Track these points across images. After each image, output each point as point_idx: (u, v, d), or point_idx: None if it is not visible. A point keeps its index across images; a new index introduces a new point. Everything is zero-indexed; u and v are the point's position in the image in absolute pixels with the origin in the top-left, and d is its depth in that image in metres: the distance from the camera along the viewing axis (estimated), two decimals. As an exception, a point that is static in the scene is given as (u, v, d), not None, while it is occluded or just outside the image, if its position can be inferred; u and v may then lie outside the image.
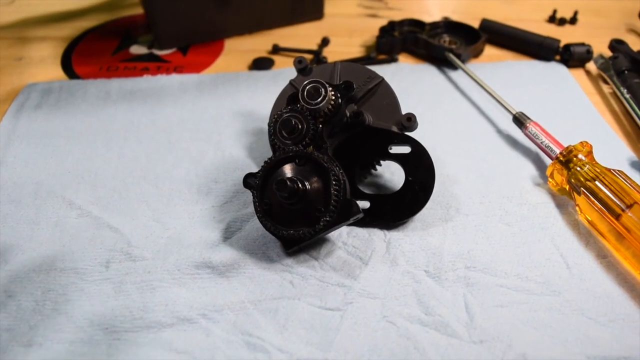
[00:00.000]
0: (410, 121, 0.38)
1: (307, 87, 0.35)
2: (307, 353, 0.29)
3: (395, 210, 0.37)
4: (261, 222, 0.34)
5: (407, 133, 0.38)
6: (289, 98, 0.37)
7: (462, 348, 0.30)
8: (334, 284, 0.33)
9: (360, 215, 0.33)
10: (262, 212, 0.34)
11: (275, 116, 0.36)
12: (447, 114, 0.50)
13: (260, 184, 0.35)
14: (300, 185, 0.33)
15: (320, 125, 0.35)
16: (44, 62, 0.59)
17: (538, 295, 0.33)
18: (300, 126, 0.35)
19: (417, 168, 0.38)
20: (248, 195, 0.40)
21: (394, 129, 0.38)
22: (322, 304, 0.32)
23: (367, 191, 0.38)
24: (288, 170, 0.35)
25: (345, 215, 0.33)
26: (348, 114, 0.38)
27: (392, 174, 0.42)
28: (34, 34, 0.65)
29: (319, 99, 0.35)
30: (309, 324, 0.31)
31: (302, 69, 0.41)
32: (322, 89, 0.35)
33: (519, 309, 0.32)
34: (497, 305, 0.32)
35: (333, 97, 0.36)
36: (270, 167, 0.35)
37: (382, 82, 0.41)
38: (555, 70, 0.57)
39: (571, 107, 0.51)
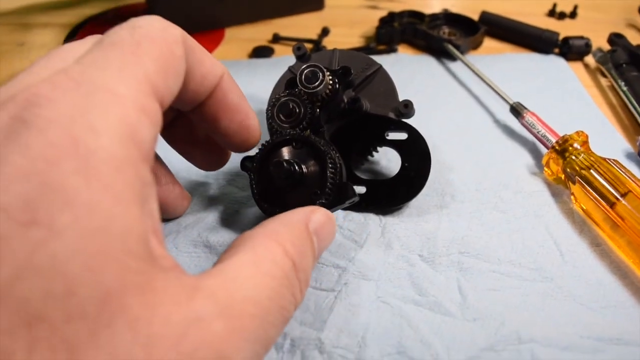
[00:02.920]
0: (407, 107, 0.38)
1: (305, 71, 0.36)
2: (300, 332, 0.30)
3: (391, 195, 0.37)
4: (258, 204, 0.35)
5: (404, 120, 0.39)
6: (287, 82, 0.37)
7: (455, 325, 0.30)
8: (329, 265, 0.34)
9: (356, 199, 0.34)
10: (258, 194, 0.35)
11: (274, 100, 0.37)
12: (445, 104, 0.51)
13: (258, 167, 0.35)
14: (297, 167, 0.33)
15: (318, 110, 0.36)
16: (45, 48, 0.59)
17: (530, 281, 0.33)
18: (297, 110, 0.36)
19: (413, 154, 0.38)
20: (245, 179, 0.40)
21: (391, 115, 0.39)
22: (317, 284, 0.33)
23: (363, 177, 0.39)
24: (285, 153, 0.35)
25: (341, 198, 0.33)
26: (345, 100, 0.38)
27: (388, 160, 0.42)
28: (35, 20, 0.66)
29: (317, 83, 0.35)
30: (303, 304, 0.31)
31: (301, 55, 0.41)
32: (320, 73, 0.35)
33: (512, 293, 0.32)
34: (490, 289, 0.32)
35: (331, 82, 0.36)
36: (268, 150, 0.35)
37: (380, 69, 0.41)
38: (553, 62, 0.58)
39: (569, 99, 0.51)
